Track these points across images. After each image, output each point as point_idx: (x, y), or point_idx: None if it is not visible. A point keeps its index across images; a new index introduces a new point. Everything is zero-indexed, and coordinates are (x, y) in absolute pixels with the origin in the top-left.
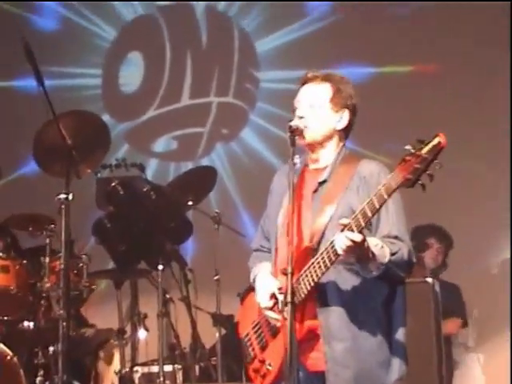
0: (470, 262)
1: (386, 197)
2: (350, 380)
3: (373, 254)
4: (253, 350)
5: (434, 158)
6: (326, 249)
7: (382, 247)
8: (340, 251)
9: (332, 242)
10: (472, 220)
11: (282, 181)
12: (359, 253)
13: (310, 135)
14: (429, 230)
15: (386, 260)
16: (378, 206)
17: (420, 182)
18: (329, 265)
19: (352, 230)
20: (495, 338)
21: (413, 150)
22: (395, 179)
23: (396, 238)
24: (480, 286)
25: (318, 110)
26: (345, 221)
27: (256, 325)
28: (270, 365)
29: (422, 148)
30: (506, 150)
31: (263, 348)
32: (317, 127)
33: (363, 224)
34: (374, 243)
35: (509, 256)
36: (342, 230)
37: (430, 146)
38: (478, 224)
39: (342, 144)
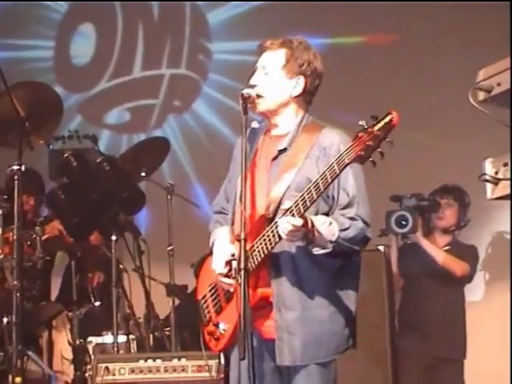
0: None
1: (337, 171)
2: (298, 348)
3: (319, 232)
4: (208, 312)
5: (385, 135)
6: (271, 227)
7: (331, 224)
8: (283, 235)
9: (276, 223)
10: None
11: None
12: (304, 234)
13: (263, 103)
14: (442, 191)
15: (335, 238)
16: (330, 180)
17: (371, 159)
18: (277, 240)
19: (293, 215)
20: None
21: (366, 126)
22: (348, 155)
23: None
24: None
25: (270, 77)
26: (287, 205)
27: (212, 288)
28: (223, 329)
29: (374, 125)
30: (458, 122)
31: (218, 312)
32: (269, 95)
33: (315, 197)
34: (321, 222)
35: None
36: (284, 214)
37: (382, 123)
38: None
39: (302, 111)
